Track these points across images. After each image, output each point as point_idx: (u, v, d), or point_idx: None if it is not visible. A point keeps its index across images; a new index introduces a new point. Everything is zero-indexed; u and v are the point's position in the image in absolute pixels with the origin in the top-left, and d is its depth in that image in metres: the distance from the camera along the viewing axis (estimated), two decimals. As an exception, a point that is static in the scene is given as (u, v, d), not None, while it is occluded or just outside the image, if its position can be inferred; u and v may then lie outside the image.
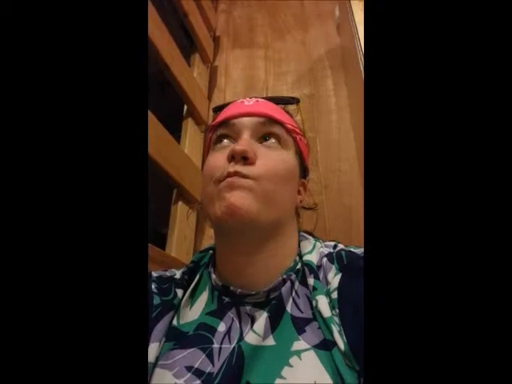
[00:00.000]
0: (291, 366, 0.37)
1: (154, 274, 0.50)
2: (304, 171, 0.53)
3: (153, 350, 0.40)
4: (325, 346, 0.37)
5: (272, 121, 0.48)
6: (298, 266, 0.45)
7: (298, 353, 0.38)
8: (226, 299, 0.45)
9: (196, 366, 0.39)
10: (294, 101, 0.58)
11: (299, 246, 0.49)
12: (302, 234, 0.52)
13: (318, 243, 0.50)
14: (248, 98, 0.51)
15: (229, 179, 0.42)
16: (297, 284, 0.44)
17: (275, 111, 0.49)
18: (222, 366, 0.38)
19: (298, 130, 0.51)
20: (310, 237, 0.52)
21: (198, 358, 0.40)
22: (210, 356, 0.40)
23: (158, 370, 0.40)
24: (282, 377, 0.36)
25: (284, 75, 1.45)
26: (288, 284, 0.43)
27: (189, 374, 0.39)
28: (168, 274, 0.51)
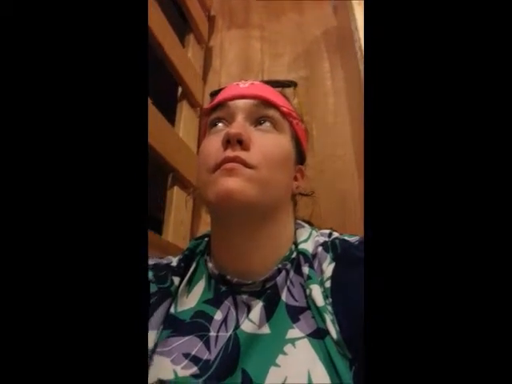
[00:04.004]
0: (286, 354, 0.38)
1: (151, 262, 0.51)
2: (301, 157, 0.53)
3: (151, 337, 0.41)
4: (318, 334, 0.38)
5: (266, 103, 0.47)
6: (294, 255, 0.46)
7: (293, 341, 0.39)
8: (223, 288, 0.45)
9: (193, 353, 0.40)
10: (292, 84, 0.57)
11: (295, 234, 0.49)
12: (299, 222, 0.52)
13: (314, 231, 0.50)
14: (244, 81, 0.50)
15: (226, 165, 0.41)
16: (292, 273, 0.44)
17: (270, 94, 0.49)
18: (218, 354, 0.39)
19: (294, 114, 0.50)
20: (307, 225, 0.52)
21: (195, 346, 0.41)
22: (206, 343, 0.41)
23: (156, 357, 0.41)
24: (276, 364, 0.37)
25: (280, 57, 1.42)
26: (283, 273, 0.44)
27: (186, 361, 0.40)
28: (165, 261, 0.52)
